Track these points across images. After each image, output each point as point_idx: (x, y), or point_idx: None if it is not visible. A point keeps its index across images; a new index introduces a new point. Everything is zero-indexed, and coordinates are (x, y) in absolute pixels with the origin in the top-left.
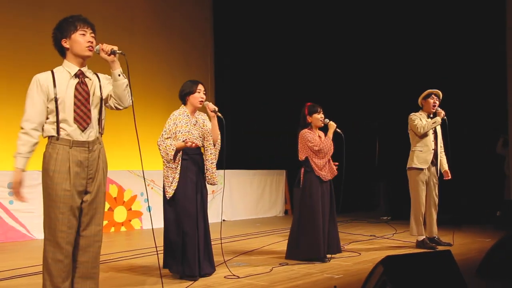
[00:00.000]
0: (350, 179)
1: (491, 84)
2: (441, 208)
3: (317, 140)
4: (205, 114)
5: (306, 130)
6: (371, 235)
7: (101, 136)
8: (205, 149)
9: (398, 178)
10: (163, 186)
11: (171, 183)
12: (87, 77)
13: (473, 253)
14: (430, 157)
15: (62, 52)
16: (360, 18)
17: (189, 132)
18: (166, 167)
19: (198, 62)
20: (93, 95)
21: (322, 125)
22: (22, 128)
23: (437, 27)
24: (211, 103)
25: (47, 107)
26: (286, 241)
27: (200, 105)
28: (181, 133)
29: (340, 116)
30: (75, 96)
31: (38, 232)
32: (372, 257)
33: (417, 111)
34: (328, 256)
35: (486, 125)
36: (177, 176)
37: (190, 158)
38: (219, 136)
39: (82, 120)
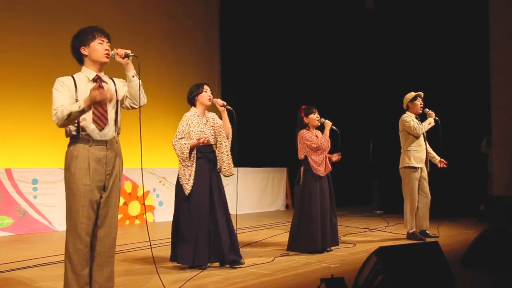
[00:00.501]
0: (347, 175)
1: (476, 88)
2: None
3: (315, 138)
4: (214, 113)
5: (304, 130)
6: (365, 228)
7: (118, 136)
8: (219, 143)
9: (390, 176)
10: (178, 183)
11: (188, 180)
12: (103, 81)
13: (458, 244)
14: (424, 156)
15: (80, 60)
16: (359, 20)
17: (201, 131)
18: (182, 165)
19: (203, 64)
20: None
21: (319, 124)
22: (57, 109)
23: (433, 31)
24: (219, 99)
25: None
26: (287, 233)
27: (209, 103)
28: (194, 132)
29: (340, 116)
30: None
31: (59, 225)
32: (366, 248)
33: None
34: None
35: (470, 126)
36: (193, 173)
37: (204, 156)
38: (231, 129)
39: (100, 120)
